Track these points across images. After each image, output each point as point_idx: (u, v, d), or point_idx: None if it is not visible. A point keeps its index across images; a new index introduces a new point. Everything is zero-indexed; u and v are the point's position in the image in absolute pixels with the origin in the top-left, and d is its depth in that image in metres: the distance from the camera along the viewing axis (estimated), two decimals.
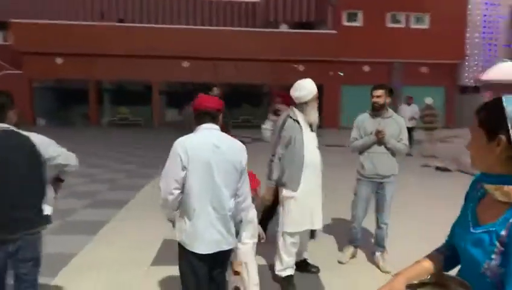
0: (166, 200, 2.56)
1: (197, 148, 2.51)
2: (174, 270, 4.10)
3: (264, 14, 25.33)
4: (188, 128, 6.35)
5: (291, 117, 3.79)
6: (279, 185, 3.83)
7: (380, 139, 4.04)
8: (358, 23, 21.90)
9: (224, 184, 2.57)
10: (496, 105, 1.24)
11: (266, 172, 3.88)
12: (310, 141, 3.78)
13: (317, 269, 4.16)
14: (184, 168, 2.49)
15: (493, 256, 1.25)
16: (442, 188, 8.35)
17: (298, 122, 3.76)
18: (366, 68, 22.62)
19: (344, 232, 4.90)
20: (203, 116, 2.64)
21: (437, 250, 1.59)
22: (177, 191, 2.52)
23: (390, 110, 4.21)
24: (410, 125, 12.33)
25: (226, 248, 2.64)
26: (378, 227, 4.30)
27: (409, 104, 12.69)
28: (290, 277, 3.84)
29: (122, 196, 7.27)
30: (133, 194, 7.46)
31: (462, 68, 22.99)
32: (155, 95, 22.83)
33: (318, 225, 3.89)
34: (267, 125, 6.45)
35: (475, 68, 23.08)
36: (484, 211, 1.35)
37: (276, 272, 3.89)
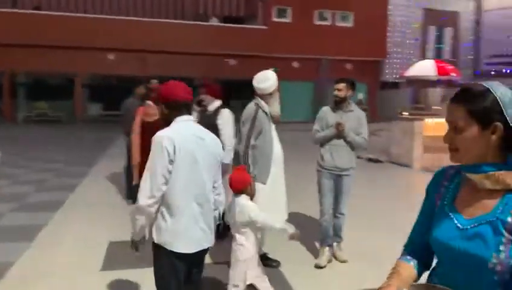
0: (153, 199, 2.30)
1: (183, 141, 2.33)
2: (128, 274, 3.83)
3: (194, 6, 24.85)
4: (129, 122, 6.00)
5: (260, 108, 3.68)
6: None
7: (339, 132, 4.04)
8: (287, 19, 22.30)
9: (208, 177, 2.46)
10: (484, 93, 1.21)
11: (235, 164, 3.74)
12: (274, 132, 3.76)
13: (278, 263, 4.09)
14: (171, 161, 2.29)
15: (501, 247, 1.17)
16: (377, 178, 8.75)
17: (266, 114, 3.68)
18: (296, 64, 23.15)
19: (315, 230, 4.77)
20: (181, 108, 2.43)
21: (405, 257, 1.45)
22: (165, 187, 2.30)
23: (352, 104, 4.22)
24: None
25: (206, 246, 2.49)
26: (335, 217, 4.29)
27: None
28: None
29: (54, 197, 6.66)
30: (66, 194, 6.87)
31: (384, 65, 24.43)
32: (77, 88, 21.39)
33: (285, 216, 3.84)
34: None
35: (395, 66, 24.66)
36: (466, 203, 1.28)
37: None
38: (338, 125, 4.01)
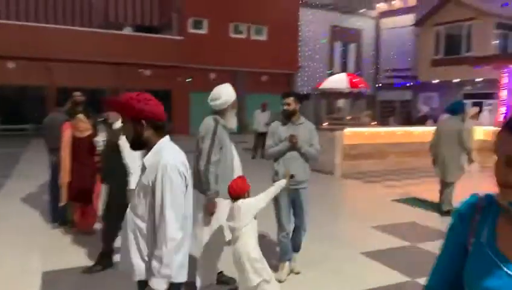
0: (182, 230, 2.02)
1: (186, 164, 2.14)
2: None
3: (104, 14, 23.72)
4: (54, 139, 5.47)
5: (218, 122, 3.61)
6: (202, 193, 3.59)
7: (293, 145, 4.04)
8: (203, 30, 22.29)
9: None
10: None
11: (195, 183, 3.61)
12: (232, 146, 3.70)
13: (234, 281, 3.96)
14: (186, 187, 2.09)
15: None
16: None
17: (225, 128, 3.61)
18: (213, 75, 23.18)
19: (271, 245, 4.73)
20: (162, 128, 2.16)
21: None
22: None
23: (301, 117, 4.24)
24: (264, 130, 13.13)
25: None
26: (296, 233, 4.25)
27: (263, 110, 13.39)
28: None
29: None
30: None
31: (296, 78, 25.52)
32: None
33: None
34: (99, 138, 5.42)
35: (306, 79, 25.91)
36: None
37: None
38: (292, 137, 4.01)
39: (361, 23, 27.56)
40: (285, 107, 4.12)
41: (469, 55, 18.51)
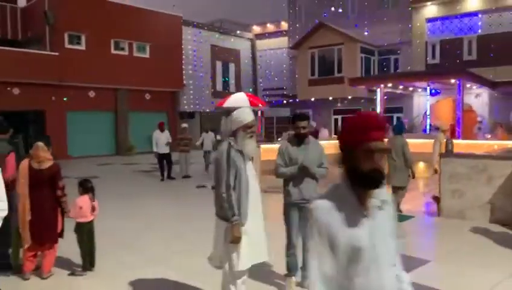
0: None
1: None
2: None
3: None
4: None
5: (232, 146, 3.56)
6: (224, 220, 3.51)
7: (305, 172, 4.14)
8: (81, 46, 20.78)
9: None
10: None
11: (217, 210, 3.51)
12: (249, 170, 3.64)
13: None
14: None
15: None
16: None
17: (240, 152, 3.57)
18: (92, 93, 21.71)
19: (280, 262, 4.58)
20: None
21: None
22: None
23: (310, 137, 4.35)
24: (166, 151, 12.85)
25: None
26: (306, 251, 4.32)
27: (162, 130, 13.02)
28: None
29: None
30: None
31: (181, 96, 25.40)
32: None
33: (266, 256, 3.75)
34: None
35: (190, 96, 25.98)
36: None
37: None
38: (304, 168, 4.12)
39: (239, 44, 28.88)
40: (302, 131, 4.19)
41: (340, 75, 20.93)
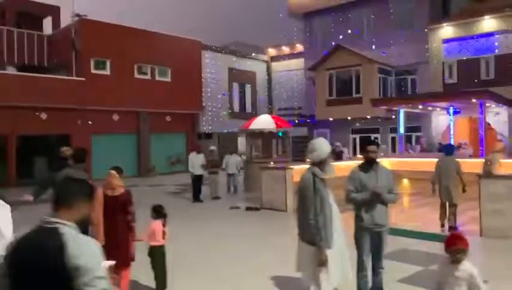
0: None
1: None
2: None
3: None
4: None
5: (316, 176, 3.86)
6: (311, 244, 3.79)
7: (377, 199, 4.36)
8: (106, 71, 21.42)
9: None
10: None
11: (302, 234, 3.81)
12: (329, 194, 3.94)
13: None
14: None
15: None
16: (268, 224, 9.47)
17: (322, 180, 3.87)
18: (116, 117, 22.26)
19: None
20: None
21: None
22: None
23: (379, 163, 4.58)
24: (201, 173, 13.17)
25: None
26: (376, 274, 4.52)
27: (198, 152, 13.37)
28: None
29: None
30: None
31: (200, 117, 25.90)
32: None
33: (350, 275, 4.02)
34: None
35: (208, 118, 26.47)
36: None
37: None
38: (376, 195, 4.32)
39: (255, 66, 29.50)
40: (371, 155, 4.46)
41: (358, 96, 21.28)
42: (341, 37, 23.02)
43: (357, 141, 23.62)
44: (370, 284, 4.57)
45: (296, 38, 27.96)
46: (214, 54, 26.89)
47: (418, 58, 21.06)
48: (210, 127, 26.73)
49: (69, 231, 2.02)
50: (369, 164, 4.51)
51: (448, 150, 7.77)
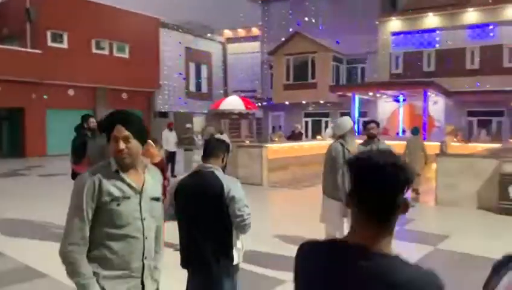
0: None
1: None
2: None
3: None
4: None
5: (344, 146, 4.80)
6: (336, 199, 4.76)
7: None
8: (63, 45, 20.80)
9: None
10: None
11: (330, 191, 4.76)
12: None
13: None
14: None
15: None
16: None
17: (348, 150, 4.82)
18: (71, 92, 21.76)
19: None
20: None
21: None
22: None
23: (380, 139, 5.59)
24: (174, 150, 13.65)
25: None
26: None
27: (170, 129, 13.78)
28: None
29: None
30: None
31: (156, 96, 25.91)
32: None
33: None
34: None
35: (164, 97, 26.55)
36: None
37: None
38: None
39: (211, 46, 29.81)
40: (371, 131, 5.50)
41: (313, 81, 22.60)
42: (298, 24, 24.09)
43: (309, 124, 25.07)
44: None
45: (253, 22, 28.59)
46: (171, 32, 26.84)
47: (368, 48, 22.69)
48: (166, 106, 26.83)
49: (220, 173, 2.83)
50: (370, 140, 5.56)
51: (414, 131, 9.14)
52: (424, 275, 1.11)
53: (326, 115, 24.52)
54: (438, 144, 10.37)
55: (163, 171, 5.58)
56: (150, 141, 5.54)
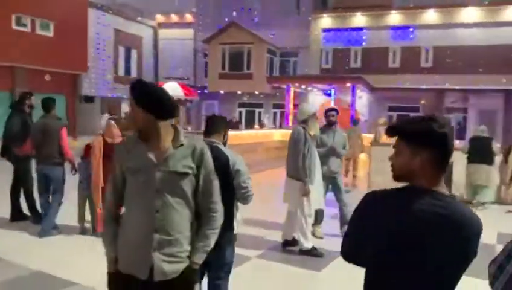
0: None
1: None
2: None
3: None
4: (52, 146, 5.35)
5: (306, 130, 5.10)
6: (298, 180, 5.06)
7: (334, 153, 5.86)
8: None
9: None
10: None
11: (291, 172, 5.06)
12: (313, 147, 5.23)
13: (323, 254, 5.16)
14: None
15: None
16: None
17: (310, 134, 5.13)
18: None
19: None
20: None
21: None
22: None
23: (337, 126, 6.05)
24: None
25: None
26: (341, 209, 6.00)
27: (111, 114, 13.37)
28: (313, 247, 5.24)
29: None
30: None
31: (82, 79, 24.51)
32: None
33: (323, 205, 5.45)
34: None
35: (93, 81, 25.22)
36: None
37: (304, 246, 5.14)
38: (333, 150, 5.84)
39: (142, 30, 28.81)
40: (331, 118, 5.92)
41: (249, 72, 22.96)
42: (234, 14, 24.22)
43: (243, 114, 25.44)
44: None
45: (187, 8, 28.11)
46: (100, 12, 25.47)
47: (301, 42, 23.55)
48: (93, 90, 25.52)
49: (223, 148, 2.98)
50: (329, 126, 5.97)
51: (355, 122, 9.96)
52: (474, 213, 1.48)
53: (260, 105, 25.07)
54: (372, 135, 11.32)
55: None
56: (111, 121, 5.48)
